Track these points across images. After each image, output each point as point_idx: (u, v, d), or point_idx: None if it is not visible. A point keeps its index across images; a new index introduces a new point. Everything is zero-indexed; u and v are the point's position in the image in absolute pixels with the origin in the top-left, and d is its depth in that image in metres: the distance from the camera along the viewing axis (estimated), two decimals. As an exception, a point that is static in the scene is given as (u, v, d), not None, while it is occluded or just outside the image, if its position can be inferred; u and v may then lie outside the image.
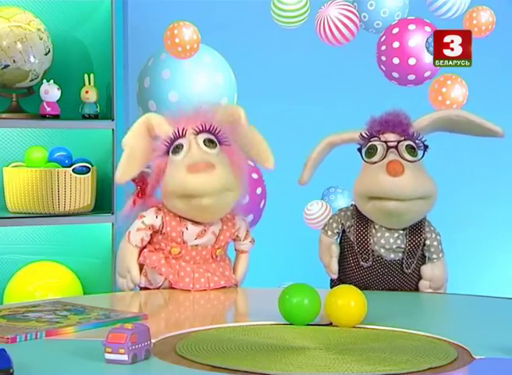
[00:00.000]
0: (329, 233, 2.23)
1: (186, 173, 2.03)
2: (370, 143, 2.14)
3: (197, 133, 2.08)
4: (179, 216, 2.11)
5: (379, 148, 2.12)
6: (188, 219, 2.11)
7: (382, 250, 2.15)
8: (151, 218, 2.11)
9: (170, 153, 2.09)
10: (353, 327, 1.69)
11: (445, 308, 2.09)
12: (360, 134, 2.15)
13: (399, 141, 2.11)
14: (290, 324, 1.71)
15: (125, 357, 1.35)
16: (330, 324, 1.71)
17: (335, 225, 2.23)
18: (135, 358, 1.37)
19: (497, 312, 1.96)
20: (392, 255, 2.15)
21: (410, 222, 2.15)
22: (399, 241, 2.14)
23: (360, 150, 2.15)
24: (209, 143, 2.08)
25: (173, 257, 2.11)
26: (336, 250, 2.20)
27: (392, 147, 2.11)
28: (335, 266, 2.20)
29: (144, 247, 2.13)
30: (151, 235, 2.13)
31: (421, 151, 2.13)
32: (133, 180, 2.16)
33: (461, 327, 1.75)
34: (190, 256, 2.12)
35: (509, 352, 1.46)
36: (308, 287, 1.73)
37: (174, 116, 2.14)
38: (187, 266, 2.11)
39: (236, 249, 2.24)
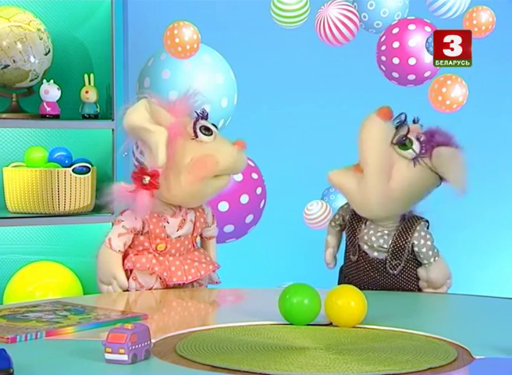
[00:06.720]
0: (332, 224, 2.28)
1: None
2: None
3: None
4: (157, 212, 2.09)
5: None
6: (165, 213, 2.10)
7: (365, 246, 2.16)
8: (130, 221, 2.08)
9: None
10: (353, 327, 1.69)
11: (445, 308, 2.09)
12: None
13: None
14: (290, 324, 1.71)
15: (125, 357, 1.35)
16: (330, 324, 1.71)
17: (337, 217, 2.27)
18: (135, 358, 1.37)
19: (497, 312, 1.95)
20: (375, 253, 2.16)
21: (390, 212, 2.14)
22: (381, 241, 2.14)
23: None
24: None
25: (159, 254, 2.11)
26: (330, 241, 2.26)
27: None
28: (327, 257, 2.26)
29: (125, 252, 2.12)
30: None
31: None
32: (142, 172, 2.06)
33: (461, 327, 1.75)
34: (175, 249, 2.11)
35: (509, 352, 1.46)
36: (308, 287, 1.73)
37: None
38: (175, 260, 2.11)
39: (204, 236, 2.23)
